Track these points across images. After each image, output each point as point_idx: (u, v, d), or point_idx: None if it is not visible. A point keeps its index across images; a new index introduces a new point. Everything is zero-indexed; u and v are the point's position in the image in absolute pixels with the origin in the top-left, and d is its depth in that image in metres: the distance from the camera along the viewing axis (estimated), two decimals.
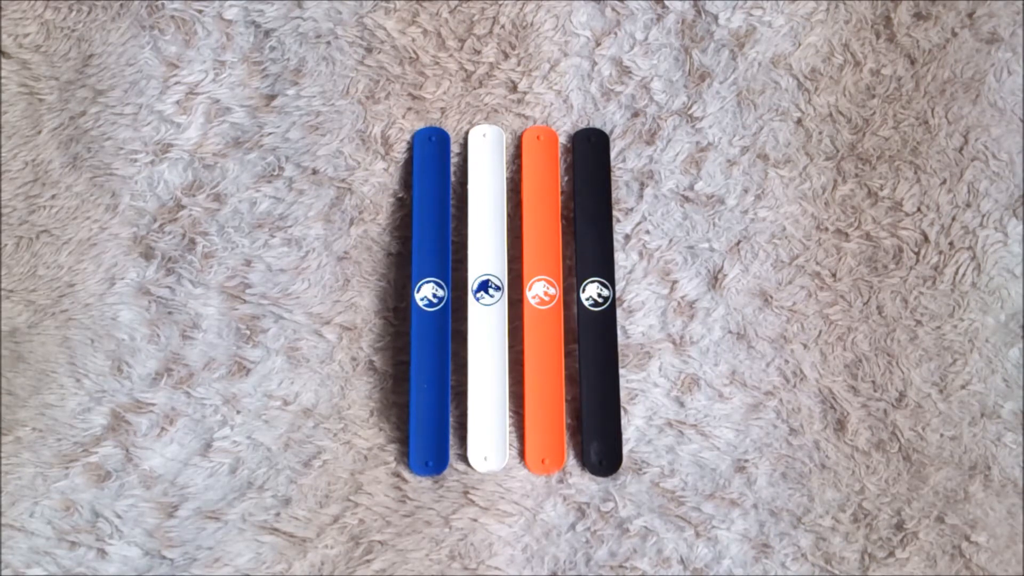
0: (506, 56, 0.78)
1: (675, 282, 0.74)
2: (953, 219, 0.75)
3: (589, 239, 0.75)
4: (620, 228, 0.76)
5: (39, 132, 0.76)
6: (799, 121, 0.77)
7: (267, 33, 0.78)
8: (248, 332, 0.73)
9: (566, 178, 0.77)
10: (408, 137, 0.77)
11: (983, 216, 0.75)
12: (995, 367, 0.73)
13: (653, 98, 0.78)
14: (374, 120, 0.77)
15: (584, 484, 0.70)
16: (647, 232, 0.75)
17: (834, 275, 0.74)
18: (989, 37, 0.78)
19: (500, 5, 0.79)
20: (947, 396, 0.72)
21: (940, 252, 0.75)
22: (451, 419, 0.71)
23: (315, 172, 0.76)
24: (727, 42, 0.78)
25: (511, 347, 0.72)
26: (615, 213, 0.76)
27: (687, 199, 0.76)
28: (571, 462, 0.71)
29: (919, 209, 0.75)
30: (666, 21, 0.79)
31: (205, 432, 0.71)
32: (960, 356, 0.73)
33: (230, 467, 0.71)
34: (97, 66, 0.77)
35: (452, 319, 0.72)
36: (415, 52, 0.78)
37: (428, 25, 0.79)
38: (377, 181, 0.76)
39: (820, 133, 0.77)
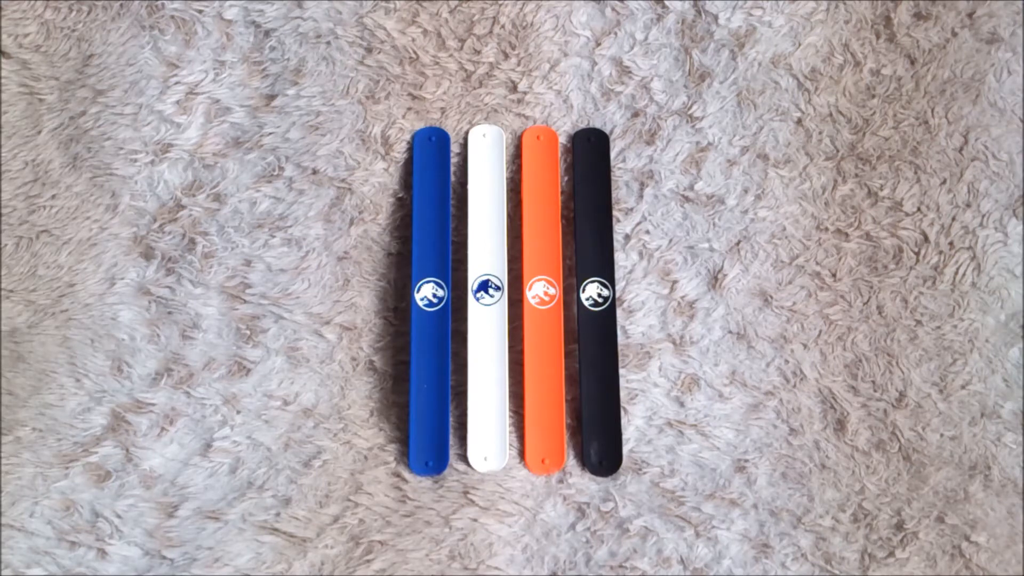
0: (506, 56, 0.78)
1: (675, 282, 0.74)
2: (953, 219, 0.75)
3: (589, 239, 0.75)
4: (620, 228, 0.76)
5: (39, 132, 0.76)
6: (799, 121, 0.77)
7: (267, 33, 0.78)
8: (248, 332, 0.73)
9: (566, 178, 0.77)
10: (408, 137, 0.77)
11: (983, 216, 0.75)
12: (995, 367, 0.73)
13: (653, 98, 0.78)
14: (374, 120, 0.77)
15: (584, 484, 0.70)
16: (647, 232, 0.75)
17: (834, 275, 0.74)
18: (989, 37, 0.78)
19: (500, 5, 0.79)
20: (947, 396, 0.72)
21: (940, 252, 0.75)
22: (451, 419, 0.71)
23: (315, 172, 0.76)
24: (727, 42, 0.78)
25: (511, 347, 0.72)
26: (615, 213, 0.76)
27: (687, 199, 0.76)
28: (571, 462, 0.71)
29: (919, 209, 0.75)
30: (666, 21, 0.79)
31: (205, 432, 0.71)
32: (960, 356, 0.73)
33: (230, 467, 0.71)
34: (97, 66, 0.77)
35: (452, 319, 0.72)
36: (415, 52, 0.78)
37: (428, 25, 0.79)
38: (377, 181, 0.76)
39: (820, 133, 0.77)
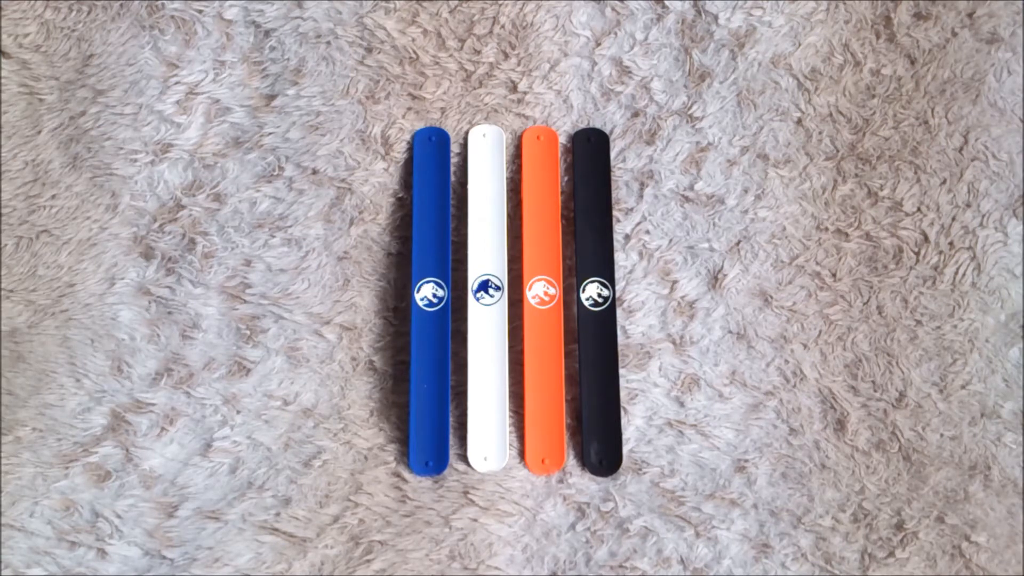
0: (506, 56, 0.78)
1: (675, 282, 0.74)
2: (953, 219, 0.75)
3: (589, 239, 0.75)
4: (620, 228, 0.76)
5: (39, 132, 0.76)
6: (799, 121, 0.77)
7: (267, 33, 0.78)
8: (248, 332, 0.73)
9: (566, 178, 0.77)
10: (408, 137, 0.77)
11: (983, 216, 0.75)
12: (995, 367, 0.73)
13: (653, 98, 0.78)
14: (374, 120, 0.77)
15: (584, 484, 0.70)
16: (647, 232, 0.75)
17: (834, 275, 0.74)
18: (989, 37, 0.78)
19: (500, 5, 0.79)
20: (947, 396, 0.72)
21: (940, 252, 0.75)
22: (451, 419, 0.71)
23: (315, 172, 0.76)
24: (727, 42, 0.78)
25: (511, 347, 0.72)
26: (615, 213, 0.76)
27: (687, 199, 0.76)
28: (571, 462, 0.71)
29: (919, 209, 0.75)
30: (666, 21, 0.79)
31: (205, 432, 0.71)
32: (960, 356, 0.73)
33: (230, 467, 0.71)
34: (97, 66, 0.77)
35: (452, 319, 0.72)
36: (415, 52, 0.78)
37: (428, 25, 0.79)
38: (377, 181, 0.76)
39: (820, 133, 0.77)
